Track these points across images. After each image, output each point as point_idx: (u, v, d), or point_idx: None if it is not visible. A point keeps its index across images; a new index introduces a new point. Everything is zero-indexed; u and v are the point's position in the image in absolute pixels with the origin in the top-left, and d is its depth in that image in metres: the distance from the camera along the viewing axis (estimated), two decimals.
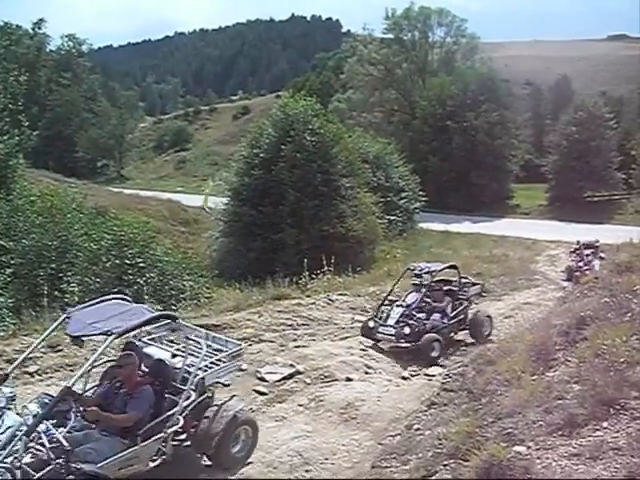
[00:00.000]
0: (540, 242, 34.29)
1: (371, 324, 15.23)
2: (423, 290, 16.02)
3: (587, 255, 24.91)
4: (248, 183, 30.74)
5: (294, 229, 28.97)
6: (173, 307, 17.66)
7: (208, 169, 75.27)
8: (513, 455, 5.30)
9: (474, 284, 17.28)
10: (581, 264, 24.07)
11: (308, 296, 18.61)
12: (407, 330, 14.61)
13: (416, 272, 16.51)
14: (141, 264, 19.53)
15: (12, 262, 21.33)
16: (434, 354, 14.16)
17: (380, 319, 15.43)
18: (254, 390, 11.96)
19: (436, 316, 15.48)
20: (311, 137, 30.21)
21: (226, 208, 32.27)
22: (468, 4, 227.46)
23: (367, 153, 38.90)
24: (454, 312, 15.75)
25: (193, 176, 78.24)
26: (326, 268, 21.00)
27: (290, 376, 12.49)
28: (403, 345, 14.78)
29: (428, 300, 15.96)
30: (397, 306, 15.74)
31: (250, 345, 14.30)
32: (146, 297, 17.12)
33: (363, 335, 15.25)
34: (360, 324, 16.42)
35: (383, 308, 15.97)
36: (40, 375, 11.89)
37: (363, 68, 68.27)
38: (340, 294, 19.12)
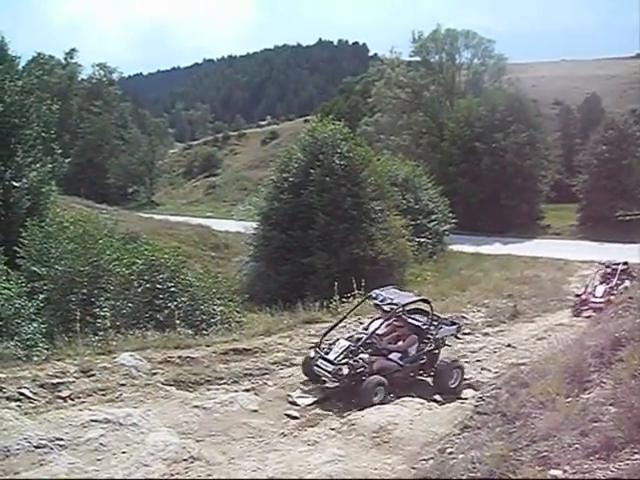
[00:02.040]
0: (572, 263, 33.98)
1: (312, 354, 13.64)
2: (384, 324, 14.28)
3: (609, 275, 23.16)
4: (278, 207, 30.81)
5: (324, 253, 28.94)
6: (204, 331, 17.71)
7: (237, 194, 75.64)
8: (549, 479, 5.22)
9: (452, 323, 15.08)
10: (598, 292, 21.96)
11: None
12: (345, 371, 12.70)
13: (376, 302, 14.66)
14: (172, 289, 19.62)
15: (45, 288, 21.52)
16: (376, 399, 12.41)
17: (322, 350, 13.69)
18: (286, 414, 11.95)
19: (394, 356, 13.53)
20: (340, 161, 30.25)
21: (256, 232, 32.36)
22: (493, 25, 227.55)
23: (396, 176, 38.84)
24: (418, 353, 13.83)
25: (223, 201, 78.69)
26: (356, 291, 20.94)
27: (322, 400, 12.45)
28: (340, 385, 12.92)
29: (390, 335, 14.17)
30: (346, 338, 14.06)
31: (281, 369, 14.32)
32: (177, 321, 17.20)
33: (303, 368, 13.73)
34: None
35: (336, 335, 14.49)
36: (73, 399, 11.96)
37: (391, 91, 68.34)
38: (371, 317, 19.04)
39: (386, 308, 14.30)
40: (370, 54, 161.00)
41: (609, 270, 23.42)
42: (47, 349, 15.59)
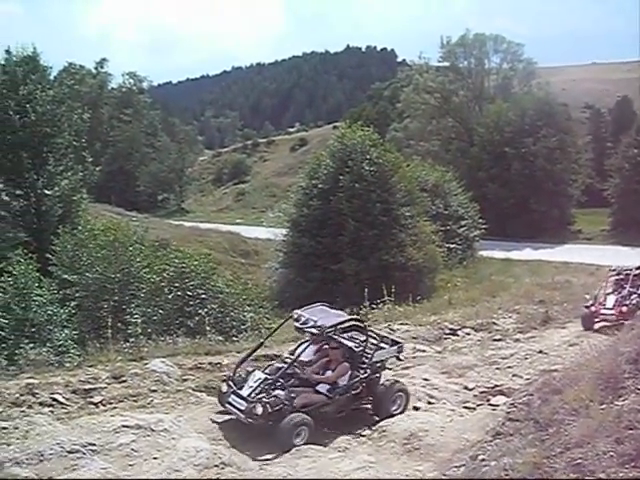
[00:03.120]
0: (604, 268, 33.49)
1: (224, 388, 11.84)
2: (310, 349, 12.57)
3: (622, 282, 20.84)
4: (307, 214, 30.88)
5: (354, 259, 28.95)
6: (234, 337, 17.76)
7: (267, 201, 75.83)
8: None
9: (394, 342, 13.16)
10: (609, 302, 19.94)
11: (369, 326, 18.52)
12: (259, 410, 10.94)
13: (297, 326, 12.62)
14: (202, 295, 19.74)
15: (77, 295, 21.78)
16: (297, 441, 10.79)
17: (236, 384, 11.82)
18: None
19: (322, 387, 11.74)
20: (369, 167, 30.27)
21: (285, 239, 32.43)
22: (522, 29, 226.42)
23: (425, 181, 38.77)
24: (351, 382, 11.87)
25: (252, 208, 78.87)
26: (386, 298, 20.93)
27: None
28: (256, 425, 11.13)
29: (317, 363, 12.36)
30: (263, 370, 12.23)
31: None
32: (208, 328, 17.27)
33: (219, 401, 12.01)
34: (423, 354, 16.32)
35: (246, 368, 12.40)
36: (105, 405, 12.04)
37: (419, 97, 68.20)
38: (401, 323, 19.03)
39: (313, 331, 12.25)
40: (398, 60, 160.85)
41: (621, 277, 21.13)
42: (79, 355, 15.76)
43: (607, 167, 56.84)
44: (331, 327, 12.08)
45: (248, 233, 50.00)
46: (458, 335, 18.68)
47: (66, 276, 22.81)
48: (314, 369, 12.20)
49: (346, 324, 12.79)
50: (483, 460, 8.24)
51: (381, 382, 12.56)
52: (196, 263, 20.82)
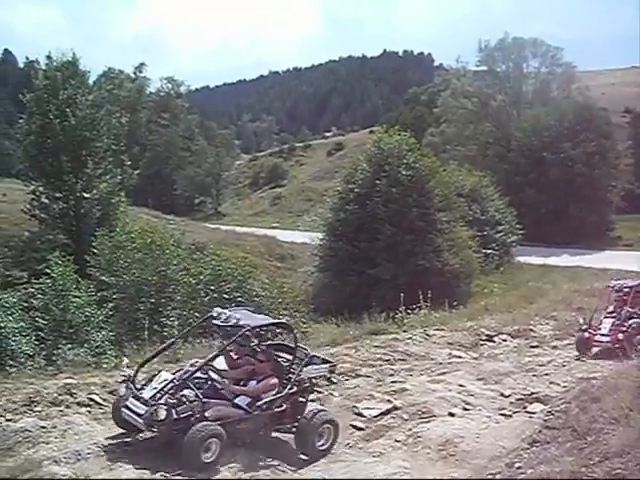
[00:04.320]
0: None
1: (122, 390, 10.36)
2: (232, 356, 11.19)
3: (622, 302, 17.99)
4: (343, 218, 30.90)
5: (390, 264, 28.89)
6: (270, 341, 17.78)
7: (303, 205, 76.05)
8: None
9: (325, 361, 11.57)
10: (604, 327, 17.45)
11: (405, 331, 18.50)
12: (162, 414, 9.32)
13: (216, 323, 10.80)
14: (239, 298, 19.84)
15: (114, 297, 22.02)
16: (206, 458, 9.25)
17: (138, 386, 10.34)
18: (351, 425, 11.89)
19: (241, 400, 10.25)
20: (406, 171, 30.21)
21: (321, 243, 32.46)
22: (561, 33, 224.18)
23: (462, 186, 38.61)
24: (273, 398, 10.37)
25: (288, 212, 79.08)
26: (422, 303, 20.85)
27: (387, 412, 12.37)
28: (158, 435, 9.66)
29: (238, 371, 10.98)
30: (175, 371, 10.74)
31: (347, 380, 14.28)
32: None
33: (113, 413, 10.49)
34: (459, 360, 16.21)
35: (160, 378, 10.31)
36: None
37: (457, 101, 67.92)
38: (437, 329, 18.94)
39: (233, 331, 10.57)
40: (435, 64, 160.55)
41: (622, 294, 18.23)
42: (116, 356, 15.90)
43: None
44: (257, 327, 10.83)
45: (284, 237, 50.09)
46: (494, 341, 18.54)
47: (104, 278, 23.08)
48: (235, 377, 10.77)
49: (273, 327, 11.76)
50: (519, 468, 8.19)
51: (307, 410, 10.78)
52: (232, 266, 20.95)
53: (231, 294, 19.93)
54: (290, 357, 11.08)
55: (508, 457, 9.39)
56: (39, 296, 21.69)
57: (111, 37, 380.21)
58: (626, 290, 18.03)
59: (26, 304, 22.02)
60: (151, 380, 10.28)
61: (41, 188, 35.23)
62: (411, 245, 29.28)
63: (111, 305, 21.25)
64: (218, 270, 20.75)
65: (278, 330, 12.29)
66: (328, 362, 11.67)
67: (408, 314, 20.17)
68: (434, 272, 28.67)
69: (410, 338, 17.64)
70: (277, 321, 12.06)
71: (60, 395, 11.92)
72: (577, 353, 17.04)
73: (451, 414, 12.23)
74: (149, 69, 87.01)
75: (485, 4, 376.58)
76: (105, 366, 14.37)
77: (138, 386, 10.26)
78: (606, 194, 53.16)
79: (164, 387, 9.85)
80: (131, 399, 9.88)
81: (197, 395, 9.77)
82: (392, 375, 14.73)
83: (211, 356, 10.81)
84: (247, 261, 23.68)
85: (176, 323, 18.64)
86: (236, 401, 10.22)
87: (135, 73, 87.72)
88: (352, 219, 30.59)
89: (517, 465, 8.39)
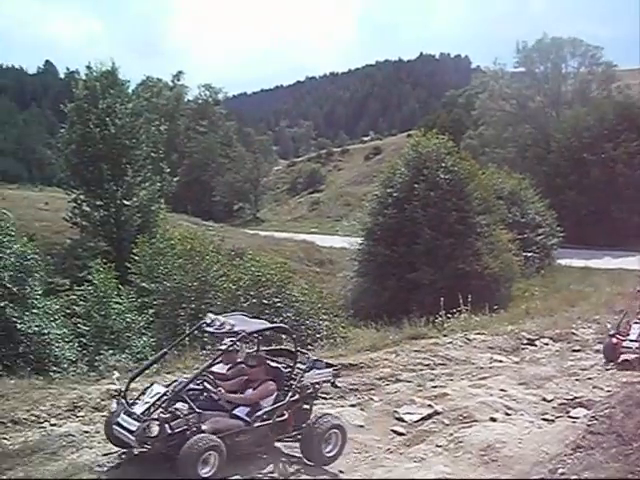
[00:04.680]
0: None
1: (113, 406, 9.84)
2: (224, 362, 10.75)
3: None
4: (382, 222, 30.87)
5: (429, 268, 28.80)
6: (310, 346, 17.83)
7: (341, 210, 76.09)
8: None
9: (328, 365, 10.88)
10: (633, 333, 16.46)
11: (445, 335, 18.42)
12: (155, 430, 8.85)
13: (209, 330, 10.42)
14: (278, 304, 19.92)
15: (154, 303, 22.26)
16: (204, 472, 8.71)
17: (130, 402, 9.74)
18: (392, 430, 11.88)
19: (240, 411, 9.75)
20: (445, 175, 30.11)
21: (360, 248, 32.45)
22: (600, 31, 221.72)
23: (502, 189, 38.38)
24: (274, 406, 9.86)
25: (327, 217, 79.19)
26: (462, 307, 20.75)
27: (428, 416, 12.32)
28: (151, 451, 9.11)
29: (234, 380, 10.42)
30: (168, 384, 10.21)
31: (387, 385, 14.26)
32: (283, 336, 17.38)
33: (105, 429, 9.90)
34: (500, 364, 16.10)
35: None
36: None
37: (495, 103, 67.58)
38: (477, 333, 18.82)
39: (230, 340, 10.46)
40: (472, 66, 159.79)
41: None
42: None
43: None
44: (253, 332, 10.38)
45: (323, 242, 50.19)
46: (536, 345, 18.37)
47: (144, 284, 23.33)
48: (230, 387, 10.18)
49: (270, 331, 11.39)
50: (563, 474, 8.11)
51: (312, 416, 10.35)
52: (272, 272, 21.02)
53: (270, 299, 19.99)
54: (291, 363, 10.62)
55: (551, 463, 9.30)
56: (81, 303, 22.05)
57: (149, 46, 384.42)
58: None
59: (68, 311, 22.43)
60: (143, 393, 9.76)
61: (82, 196, 35.76)
62: (450, 249, 29.16)
63: (152, 311, 21.48)
64: (257, 276, 20.82)
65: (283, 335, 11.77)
66: (332, 366, 11.00)
67: (448, 318, 20.10)
68: (474, 276, 28.52)
69: (450, 342, 17.56)
70: (274, 325, 11.50)
71: (102, 400, 12.07)
72: (605, 360, 16.33)
73: (493, 419, 12.15)
74: (187, 77, 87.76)
75: (522, 4, 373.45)
76: (147, 372, 14.49)
77: (130, 400, 9.74)
78: None
79: (156, 401, 9.28)
80: (122, 415, 9.32)
81: (192, 407, 9.23)
82: (433, 380, 14.68)
83: (205, 366, 10.32)
84: (286, 266, 23.68)
85: None
86: (235, 412, 9.71)
87: (173, 81, 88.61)
88: (391, 223, 30.54)
89: (560, 471, 8.32)
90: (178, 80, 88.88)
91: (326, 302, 22.76)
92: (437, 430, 11.82)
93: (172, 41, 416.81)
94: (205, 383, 9.90)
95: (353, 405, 13.09)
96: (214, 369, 10.50)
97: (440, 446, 11.15)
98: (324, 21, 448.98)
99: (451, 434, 11.52)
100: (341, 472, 10.09)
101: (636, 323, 16.76)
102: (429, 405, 12.75)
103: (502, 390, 13.84)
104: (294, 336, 11.22)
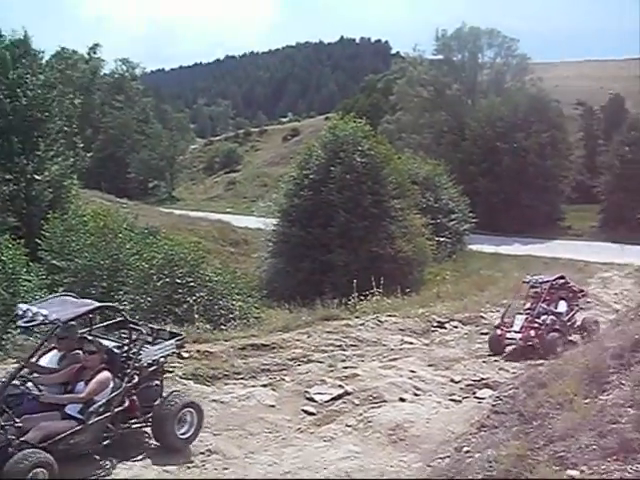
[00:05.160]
0: (592, 264, 33.70)
1: None
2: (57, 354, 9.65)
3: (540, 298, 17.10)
4: (297, 204, 30.86)
5: (343, 250, 28.98)
6: (222, 326, 17.76)
7: (258, 190, 75.67)
8: (566, 479, 5.21)
9: (172, 335, 10.46)
10: (516, 324, 16.42)
11: (357, 317, 18.59)
12: None
13: (22, 324, 9.08)
14: (191, 283, 19.72)
15: (65, 281, 21.75)
16: None
17: None
18: (303, 410, 11.96)
19: (72, 409, 8.70)
20: (361, 158, 30.28)
21: (275, 229, 32.41)
22: (517, 24, 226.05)
23: (417, 174, 38.84)
24: (111, 396, 8.92)
25: (243, 197, 78.69)
26: (375, 289, 20.96)
27: (339, 397, 12.46)
28: None
29: (65, 372, 9.26)
30: None
31: (299, 365, 14.33)
32: (196, 316, 17.27)
33: None
34: (411, 346, 16.38)
35: None
36: None
37: (413, 89, 68.20)
38: (389, 315, 19.04)
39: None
40: (392, 52, 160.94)
41: (537, 290, 17.63)
42: None
43: (598, 164, 57.11)
44: (69, 320, 8.94)
45: (238, 222, 49.95)
46: (446, 328, 18.71)
47: (55, 262, 22.79)
48: (59, 379, 9.13)
49: (91, 314, 9.97)
50: (468, 452, 8.31)
51: (162, 395, 9.68)
52: (186, 251, 20.80)
53: (184, 279, 19.80)
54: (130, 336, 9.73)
55: (457, 441, 9.53)
56: None
57: (68, 16, 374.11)
58: (541, 285, 17.38)
59: None
60: None
61: None
62: (365, 232, 29.39)
63: (62, 289, 20.97)
64: (171, 255, 20.55)
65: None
66: (176, 335, 10.36)
67: (361, 300, 20.27)
68: (387, 259, 28.83)
69: (362, 324, 17.74)
70: (98, 306, 9.80)
71: None
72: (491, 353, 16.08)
73: (402, 399, 12.36)
74: (103, 50, 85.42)
75: None
76: None
77: None
78: (557, 184, 53.88)
79: None
80: None
81: (11, 417, 8.04)
82: (344, 361, 14.82)
83: (19, 366, 9.15)
84: (200, 246, 23.48)
85: (128, 308, 18.48)
86: (66, 410, 8.66)
87: (89, 54, 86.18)
88: (306, 205, 30.58)
89: (465, 449, 8.52)
90: (94, 53, 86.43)
91: (240, 282, 22.69)
92: (347, 410, 11.96)
93: (89, 13, 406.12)
94: (29, 383, 8.78)
95: (264, 385, 13.11)
96: (41, 362, 9.48)
97: (350, 426, 11.30)
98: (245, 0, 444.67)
99: (361, 414, 11.68)
100: (251, 453, 10.13)
101: (520, 314, 16.84)
102: (340, 385, 12.89)
103: (411, 371, 14.09)
104: (125, 314, 10.37)
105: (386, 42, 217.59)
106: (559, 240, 47.40)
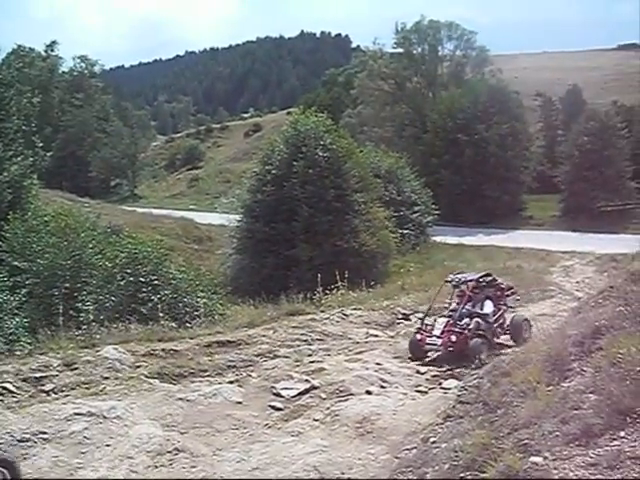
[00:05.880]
0: (554, 253, 34.14)
1: None
2: None
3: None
4: (260, 200, 30.82)
5: (307, 245, 29.00)
6: (187, 324, 17.71)
7: (220, 187, 75.31)
8: (530, 466, 5.27)
9: None
10: (437, 328, 15.22)
11: (322, 311, 18.65)
12: None
13: None
14: (155, 282, 19.61)
15: (27, 282, 21.48)
16: None
17: None
18: (270, 406, 11.99)
19: None
20: (323, 153, 30.31)
21: (239, 225, 32.32)
22: (477, 17, 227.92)
23: (379, 168, 38.98)
24: None
25: (206, 194, 78.25)
26: (340, 283, 21.06)
27: (306, 391, 12.50)
28: None
29: None
30: None
31: (265, 361, 14.35)
32: (161, 314, 17.18)
33: None
34: (376, 339, 16.43)
35: None
36: (56, 393, 11.95)
37: (373, 83, 68.30)
38: (354, 309, 19.14)
39: None
40: (353, 46, 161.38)
41: (460, 290, 16.45)
42: (30, 343, 15.57)
43: (558, 154, 57.67)
44: None
45: (202, 219, 49.72)
46: (411, 320, 18.82)
47: (16, 263, 22.49)
48: None
49: None
50: (434, 442, 8.38)
51: None
52: (149, 249, 20.67)
53: (147, 277, 19.67)
54: None
55: (423, 432, 9.60)
56: None
57: (24, 13, 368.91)
58: (463, 285, 16.21)
59: None
60: None
61: None
62: (328, 226, 29.44)
63: (25, 291, 20.70)
64: (134, 253, 20.40)
65: None
66: None
67: (326, 294, 20.34)
68: (351, 252, 28.91)
69: (327, 318, 17.81)
70: None
71: None
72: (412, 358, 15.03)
73: (368, 392, 12.43)
74: (62, 48, 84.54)
75: None
76: (18, 353, 14.06)
77: None
78: (518, 175, 54.25)
79: None
80: None
81: None
82: (310, 355, 14.87)
83: None
84: (163, 244, 23.35)
85: (92, 308, 18.34)
86: None
87: (47, 51, 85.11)
88: (269, 200, 30.54)
89: (432, 440, 8.59)
90: (52, 50, 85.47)
91: (204, 279, 22.62)
92: (314, 404, 12.00)
93: (45, 9, 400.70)
94: None
95: (231, 382, 13.11)
96: None
97: (317, 420, 11.33)
98: None
99: (328, 408, 11.72)
100: (219, 450, 10.12)
101: (442, 317, 15.87)
102: (306, 380, 12.92)
103: (377, 364, 14.16)
104: None
105: (346, 36, 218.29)
106: (521, 230, 47.82)
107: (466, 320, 15.26)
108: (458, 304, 15.98)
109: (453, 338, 14.81)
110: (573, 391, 6.44)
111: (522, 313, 16.97)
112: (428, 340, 15.03)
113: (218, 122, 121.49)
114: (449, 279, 16.54)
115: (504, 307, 16.30)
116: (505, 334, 15.93)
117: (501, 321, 15.97)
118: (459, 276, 16.51)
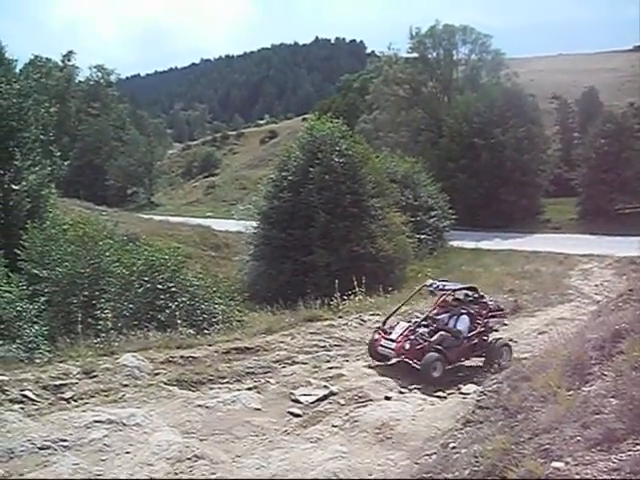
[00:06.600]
0: (572, 257, 33.93)
1: None
2: None
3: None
4: (277, 206, 30.84)
5: (324, 251, 28.97)
6: (205, 331, 17.74)
7: (237, 193, 75.58)
8: (551, 471, 5.24)
9: None
10: (395, 332, 14.42)
11: (340, 317, 18.64)
12: None
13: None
14: (173, 289, 19.65)
15: (46, 290, 21.56)
16: None
17: None
18: (288, 412, 11.97)
19: None
20: (339, 158, 30.30)
21: (256, 232, 32.36)
22: (490, 21, 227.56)
23: (395, 173, 38.92)
24: None
25: (222, 201, 78.51)
26: (357, 289, 21.00)
27: (324, 397, 12.47)
28: None
29: None
30: None
31: (283, 367, 14.33)
32: (179, 321, 17.22)
33: None
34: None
35: None
36: (76, 401, 11.98)
37: (389, 88, 68.30)
38: (372, 314, 19.11)
39: None
40: (367, 51, 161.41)
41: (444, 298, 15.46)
42: (49, 351, 15.63)
43: (574, 157, 57.46)
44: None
45: (218, 226, 49.82)
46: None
47: (35, 271, 22.58)
48: None
49: None
50: (454, 448, 8.33)
51: None
52: (166, 257, 20.73)
53: (165, 284, 19.73)
54: None
55: (443, 438, 9.54)
56: None
57: (41, 24, 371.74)
58: (440, 292, 15.58)
59: None
60: None
61: None
62: (345, 232, 29.41)
63: (44, 299, 20.78)
64: (151, 261, 20.48)
65: None
66: None
67: (343, 300, 20.31)
68: (368, 258, 28.86)
69: (346, 324, 17.79)
70: None
71: None
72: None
73: (387, 398, 12.40)
74: (78, 57, 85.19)
75: None
76: (38, 361, 14.12)
77: None
78: (535, 178, 54.06)
79: None
80: None
81: None
82: (328, 361, 14.84)
83: None
84: (180, 251, 23.38)
85: (110, 315, 18.39)
86: None
87: (63, 61, 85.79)
88: (286, 207, 30.55)
89: (452, 445, 8.54)
90: (69, 60, 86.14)
91: (222, 286, 22.65)
92: (333, 410, 11.97)
93: (62, 20, 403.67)
94: None
95: (250, 388, 13.10)
96: None
97: (336, 426, 11.30)
98: (219, 3, 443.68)
99: (347, 414, 11.69)
100: (238, 457, 10.12)
101: (404, 321, 15.35)
102: (325, 386, 12.90)
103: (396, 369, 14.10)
104: None
105: (361, 42, 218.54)
106: (538, 234, 47.61)
107: (423, 330, 14.32)
108: (439, 311, 15.16)
109: (407, 346, 13.89)
110: (594, 395, 6.40)
111: (504, 337, 15.58)
112: (383, 342, 14.35)
113: (234, 129, 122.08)
114: (428, 284, 15.91)
115: (483, 328, 14.81)
116: (479, 356, 14.72)
117: (475, 341, 14.61)
118: (439, 283, 15.70)
